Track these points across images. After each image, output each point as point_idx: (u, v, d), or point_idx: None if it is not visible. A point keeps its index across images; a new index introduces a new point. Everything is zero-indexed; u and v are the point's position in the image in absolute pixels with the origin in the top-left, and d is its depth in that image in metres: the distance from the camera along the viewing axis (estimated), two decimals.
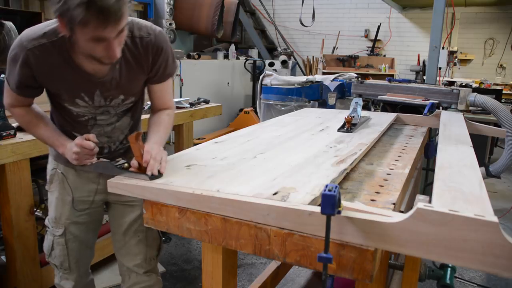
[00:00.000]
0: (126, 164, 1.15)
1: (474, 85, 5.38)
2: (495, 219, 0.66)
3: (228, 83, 6.27)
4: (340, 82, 3.64)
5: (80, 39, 1.08)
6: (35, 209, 1.95)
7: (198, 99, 3.16)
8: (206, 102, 3.19)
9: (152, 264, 1.55)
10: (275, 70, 6.53)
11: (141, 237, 1.52)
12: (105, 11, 1.00)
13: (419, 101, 2.72)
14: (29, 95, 1.33)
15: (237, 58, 6.63)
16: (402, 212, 0.93)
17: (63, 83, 1.27)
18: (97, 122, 1.39)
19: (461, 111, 2.57)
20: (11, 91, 1.31)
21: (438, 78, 4.25)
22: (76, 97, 1.31)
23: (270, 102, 3.43)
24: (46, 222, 1.51)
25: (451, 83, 5.18)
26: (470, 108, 2.70)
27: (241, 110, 6.05)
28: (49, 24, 1.23)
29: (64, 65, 1.23)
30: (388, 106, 2.92)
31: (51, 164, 1.49)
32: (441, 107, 2.71)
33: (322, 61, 7.47)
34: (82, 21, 1.00)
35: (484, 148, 3.83)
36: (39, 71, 1.23)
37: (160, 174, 1.10)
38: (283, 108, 3.34)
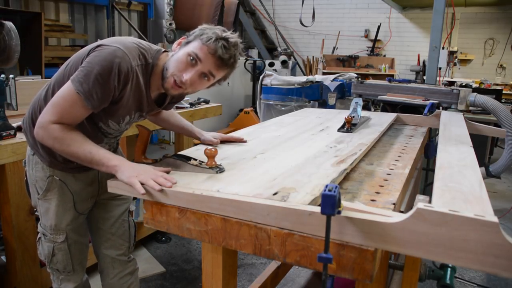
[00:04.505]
0: (193, 161, 1.16)
1: (474, 85, 5.38)
2: (495, 219, 0.66)
3: (228, 83, 6.27)
4: (340, 82, 3.64)
5: (182, 51, 1.24)
6: (35, 209, 1.95)
7: (198, 99, 3.16)
8: (206, 102, 3.19)
9: (132, 250, 1.67)
10: (275, 70, 6.54)
11: (126, 227, 1.62)
12: (228, 57, 1.22)
13: (419, 101, 2.72)
14: (96, 109, 1.23)
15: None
16: (402, 212, 0.93)
17: (131, 102, 1.30)
18: (108, 135, 1.42)
19: (461, 111, 2.56)
20: (76, 103, 1.18)
21: (438, 78, 4.25)
22: (126, 115, 1.34)
23: (270, 102, 3.43)
24: (41, 230, 1.47)
25: (451, 83, 5.18)
26: (470, 108, 2.70)
27: (241, 110, 6.05)
28: (139, 46, 1.26)
29: (142, 87, 1.29)
30: (388, 106, 2.92)
31: (44, 172, 1.40)
32: (441, 107, 2.71)
33: (322, 61, 7.47)
34: (207, 40, 1.19)
35: (484, 148, 3.82)
36: (127, 89, 1.23)
37: (224, 170, 1.13)
38: (283, 108, 3.34)
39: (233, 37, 1.24)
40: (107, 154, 1.17)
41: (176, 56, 1.25)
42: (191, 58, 1.21)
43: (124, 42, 1.23)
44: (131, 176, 1.07)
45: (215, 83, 1.32)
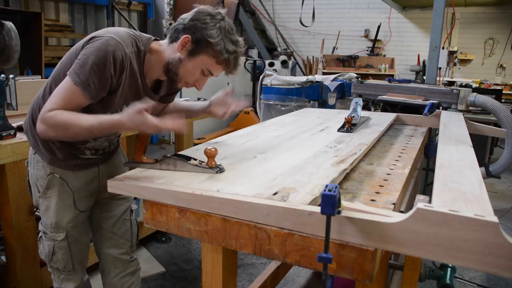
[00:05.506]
0: (193, 161, 1.16)
1: (474, 85, 5.38)
2: (495, 219, 0.66)
3: (228, 83, 6.26)
4: (340, 82, 3.64)
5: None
6: (35, 209, 1.95)
7: (198, 99, 3.16)
8: None
9: (134, 249, 1.67)
10: (275, 70, 6.54)
11: (128, 226, 1.62)
12: (236, 66, 1.32)
13: (419, 101, 2.72)
14: (95, 98, 1.23)
15: None
16: (402, 212, 0.93)
17: (126, 90, 1.30)
18: None
19: (461, 111, 2.57)
20: (75, 94, 1.18)
21: (438, 78, 4.25)
22: (123, 105, 1.34)
23: (270, 102, 3.43)
24: (42, 228, 1.47)
25: (451, 83, 5.18)
26: (470, 108, 2.70)
27: (241, 110, 6.04)
28: (130, 34, 1.27)
29: (137, 75, 1.31)
30: (388, 106, 2.92)
31: (44, 170, 1.41)
32: (441, 107, 2.71)
33: (322, 61, 7.47)
34: (222, 61, 1.26)
35: (484, 148, 3.82)
36: (123, 77, 1.25)
37: (224, 170, 1.13)
38: (283, 108, 3.34)
39: (241, 45, 1.30)
40: (108, 118, 1.17)
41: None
42: (205, 74, 1.31)
43: (116, 31, 1.25)
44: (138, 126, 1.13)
45: None
